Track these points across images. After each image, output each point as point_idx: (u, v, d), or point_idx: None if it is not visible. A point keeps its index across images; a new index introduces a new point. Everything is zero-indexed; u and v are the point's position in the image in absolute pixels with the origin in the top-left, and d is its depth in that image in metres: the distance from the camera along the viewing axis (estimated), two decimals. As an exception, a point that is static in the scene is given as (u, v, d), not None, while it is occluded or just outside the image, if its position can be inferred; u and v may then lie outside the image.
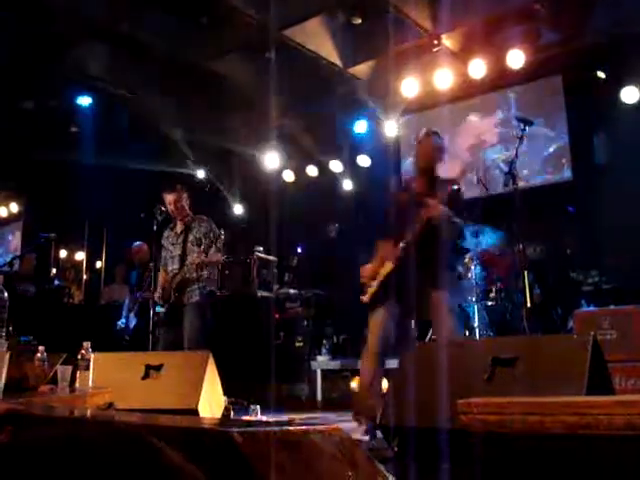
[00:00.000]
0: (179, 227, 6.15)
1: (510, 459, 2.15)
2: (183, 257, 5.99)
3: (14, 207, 12.94)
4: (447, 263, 4.64)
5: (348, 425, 4.82)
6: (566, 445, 2.01)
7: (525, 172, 8.58)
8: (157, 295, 5.97)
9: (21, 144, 10.05)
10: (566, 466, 2.03)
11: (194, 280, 5.90)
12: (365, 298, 4.74)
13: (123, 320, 7.69)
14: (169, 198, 6.05)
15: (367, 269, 4.79)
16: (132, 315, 7.05)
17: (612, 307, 5.81)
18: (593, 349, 2.98)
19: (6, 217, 13.21)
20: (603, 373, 3.08)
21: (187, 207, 6.16)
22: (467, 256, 7.30)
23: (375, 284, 4.70)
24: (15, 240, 12.95)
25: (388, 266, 4.65)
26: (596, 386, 2.87)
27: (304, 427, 1.21)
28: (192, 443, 1.22)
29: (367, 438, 4.28)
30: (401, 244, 4.59)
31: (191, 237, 6.03)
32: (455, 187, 4.65)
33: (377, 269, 4.73)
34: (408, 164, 9.63)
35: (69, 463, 1.54)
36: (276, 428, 1.18)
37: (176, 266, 6.00)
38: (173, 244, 6.11)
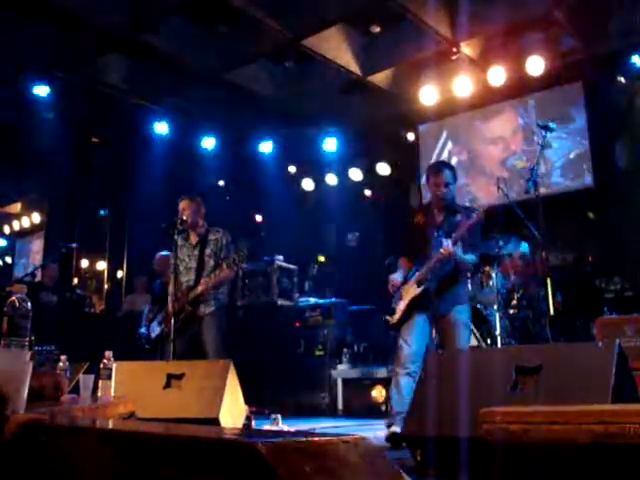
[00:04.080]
0: (193, 238, 6.15)
1: (534, 469, 2.13)
2: (199, 270, 5.99)
3: (36, 217, 13.05)
4: (460, 283, 5.02)
5: (370, 434, 4.81)
6: (591, 455, 1.99)
7: (546, 179, 8.54)
8: (169, 306, 5.98)
9: (42, 155, 10.14)
10: (591, 476, 2.00)
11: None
12: (394, 320, 4.95)
13: (144, 329, 7.70)
14: (183, 205, 6.08)
15: (396, 282, 5.04)
16: (156, 324, 7.05)
17: (635, 315, 5.75)
18: (618, 357, 2.95)
19: (29, 227, 13.33)
20: (629, 381, 3.04)
21: (201, 218, 6.16)
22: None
23: (402, 305, 4.93)
24: (37, 250, 13.04)
25: (413, 290, 4.91)
26: (622, 394, 2.84)
27: (329, 437, 1.20)
28: (216, 454, 1.21)
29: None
30: (419, 273, 4.91)
31: (208, 250, 6.04)
32: (474, 218, 4.81)
33: (402, 287, 4.99)
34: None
35: (91, 473, 1.54)
36: (301, 438, 1.17)
37: (192, 277, 6.00)
38: (188, 255, 6.10)
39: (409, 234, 5.28)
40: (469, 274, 5.61)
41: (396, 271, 5.17)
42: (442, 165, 5.19)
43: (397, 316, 4.94)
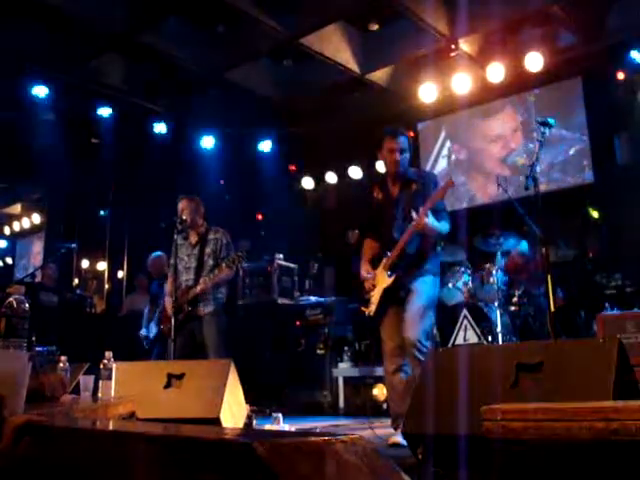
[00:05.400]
0: (193, 237, 6.15)
1: (535, 466, 2.12)
2: (198, 270, 5.99)
3: (36, 218, 13.05)
4: (428, 259, 4.82)
5: (371, 433, 4.81)
6: (593, 452, 1.98)
7: (546, 175, 8.52)
8: (167, 306, 5.97)
9: (41, 156, 10.14)
10: (592, 474, 1.99)
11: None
12: (371, 311, 4.83)
13: (144, 329, 7.71)
14: (182, 205, 6.08)
15: (366, 277, 4.93)
16: (153, 324, 7.05)
17: (636, 310, 5.74)
18: (619, 353, 2.94)
19: (29, 228, 13.33)
20: (630, 377, 3.03)
21: (200, 217, 6.16)
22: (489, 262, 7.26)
23: (376, 296, 4.81)
24: (38, 251, 13.04)
25: (384, 278, 4.77)
26: (623, 391, 2.83)
27: (327, 437, 1.20)
28: (214, 454, 1.21)
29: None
30: (388, 258, 4.74)
31: (207, 250, 6.04)
32: (442, 186, 4.66)
33: (373, 276, 4.87)
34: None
35: (91, 474, 1.53)
36: (299, 438, 1.16)
37: (191, 276, 6.00)
38: (188, 255, 6.11)
39: (370, 213, 5.11)
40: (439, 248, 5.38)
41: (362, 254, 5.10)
42: (398, 131, 4.83)
43: (373, 307, 4.80)
